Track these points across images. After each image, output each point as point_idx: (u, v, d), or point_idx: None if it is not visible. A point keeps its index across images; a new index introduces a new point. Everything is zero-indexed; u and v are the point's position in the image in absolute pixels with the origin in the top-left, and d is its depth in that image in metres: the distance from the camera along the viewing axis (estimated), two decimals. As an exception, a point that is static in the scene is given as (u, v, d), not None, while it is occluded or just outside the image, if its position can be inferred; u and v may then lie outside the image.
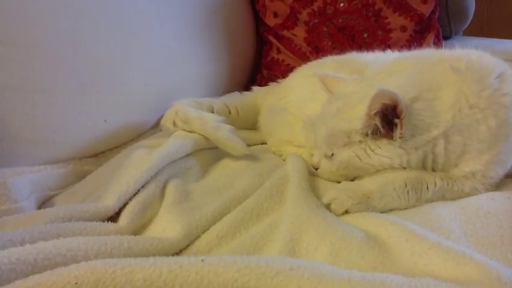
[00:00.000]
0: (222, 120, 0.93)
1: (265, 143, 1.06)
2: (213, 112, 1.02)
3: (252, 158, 0.93)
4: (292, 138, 0.98)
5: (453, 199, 0.74)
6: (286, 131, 1.00)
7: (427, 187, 0.74)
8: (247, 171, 0.86)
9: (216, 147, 0.92)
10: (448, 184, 0.74)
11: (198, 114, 0.93)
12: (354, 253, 0.58)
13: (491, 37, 1.80)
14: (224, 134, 0.90)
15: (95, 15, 0.95)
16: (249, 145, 1.02)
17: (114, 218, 0.72)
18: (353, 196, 0.71)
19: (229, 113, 1.08)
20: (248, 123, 1.12)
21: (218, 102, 1.07)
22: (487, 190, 0.76)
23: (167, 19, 1.14)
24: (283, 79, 1.15)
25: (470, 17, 1.66)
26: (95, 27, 0.95)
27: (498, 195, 0.72)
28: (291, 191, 0.73)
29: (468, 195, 0.75)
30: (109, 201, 0.72)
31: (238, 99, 1.13)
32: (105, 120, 0.94)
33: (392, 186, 0.72)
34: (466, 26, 1.70)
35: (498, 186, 0.78)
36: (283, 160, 0.94)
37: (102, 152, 0.96)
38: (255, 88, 1.21)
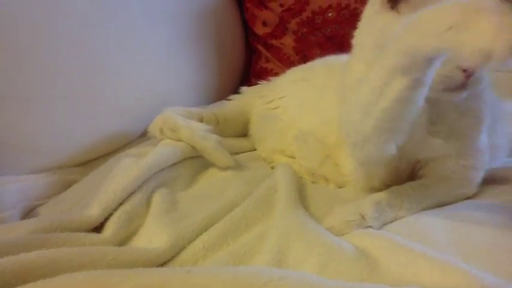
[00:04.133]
0: (210, 130, 0.93)
1: (254, 150, 1.06)
2: (202, 121, 1.02)
3: (240, 166, 0.92)
4: (284, 148, 0.98)
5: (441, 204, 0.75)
6: (278, 139, 0.99)
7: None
8: (236, 180, 0.85)
9: (204, 157, 0.92)
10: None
11: (186, 123, 0.92)
12: (341, 264, 0.58)
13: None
14: (211, 144, 0.90)
15: (85, 24, 0.95)
16: (237, 153, 1.02)
17: (99, 228, 0.71)
18: (351, 220, 0.69)
19: (218, 122, 1.07)
20: (237, 131, 1.12)
21: (207, 112, 1.07)
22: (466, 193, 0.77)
23: (159, 29, 1.14)
24: (273, 78, 1.15)
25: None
26: (84, 36, 0.94)
27: (483, 203, 0.73)
28: (280, 201, 0.72)
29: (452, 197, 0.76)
30: (94, 211, 0.71)
31: (226, 108, 1.13)
32: (95, 129, 0.94)
33: (386, 202, 0.71)
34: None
35: (479, 193, 0.79)
36: (272, 168, 0.94)
37: (89, 161, 0.95)
38: (244, 89, 1.20)
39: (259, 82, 1.20)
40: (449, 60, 0.62)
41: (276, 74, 1.41)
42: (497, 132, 0.88)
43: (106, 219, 0.72)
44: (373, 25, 0.74)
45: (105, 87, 0.97)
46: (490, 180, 0.83)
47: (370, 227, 0.68)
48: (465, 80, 0.63)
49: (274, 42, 1.48)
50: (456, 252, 0.59)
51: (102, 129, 0.96)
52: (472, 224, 0.66)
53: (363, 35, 0.77)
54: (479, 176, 0.79)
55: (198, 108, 1.09)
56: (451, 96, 0.66)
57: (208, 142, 0.90)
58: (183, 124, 0.92)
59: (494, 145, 0.86)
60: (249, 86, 1.48)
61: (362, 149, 0.69)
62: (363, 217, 0.69)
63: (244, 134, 1.13)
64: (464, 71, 0.62)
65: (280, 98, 1.03)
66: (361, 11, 1.36)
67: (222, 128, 1.06)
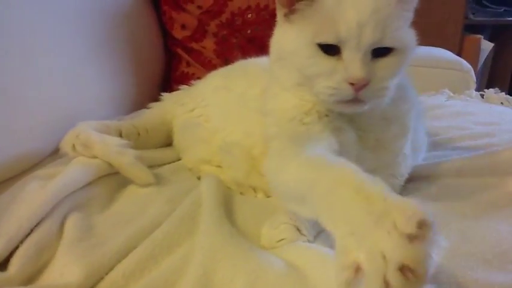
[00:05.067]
0: (127, 145, 0.87)
1: (179, 160, 1.01)
2: (121, 135, 0.96)
3: (162, 181, 0.87)
4: (210, 157, 0.94)
5: None
6: (203, 149, 0.95)
7: None
8: (157, 197, 0.80)
9: (123, 172, 0.86)
10: None
11: (100, 138, 0.86)
12: (270, 283, 0.55)
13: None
14: (128, 160, 0.84)
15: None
16: (160, 165, 0.97)
17: (4, 264, 0.63)
18: (285, 238, 0.66)
19: (139, 134, 1.01)
20: (160, 141, 1.06)
21: (126, 124, 1.01)
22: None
23: (62, 38, 1.04)
24: (195, 82, 1.12)
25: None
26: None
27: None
28: (204, 218, 0.68)
29: None
30: (-4, 247, 0.63)
31: (146, 118, 1.07)
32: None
33: None
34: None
35: (402, 193, 0.80)
36: (199, 179, 0.89)
37: (-8, 187, 0.85)
38: (165, 96, 1.15)
39: (180, 88, 1.15)
40: (337, 71, 0.62)
41: (198, 79, 1.37)
42: (417, 129, 0.90)
43: (12, 253, 0.64)
44: (274, 39, 0.73)
45: (3, 105, 0.86)
46: (412, 178, 0.85)
47: (306, 237, 0.66)
48: (355, 92, 0.61)
49: (194, 45, 1.44)
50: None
51: (2, 151, 0.85)
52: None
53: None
54: (403, 180, 0.80)
55: (116, 121, 1.02)
56: (351, 109, 0.65)
57: (125, 158, 0.84)
58: (97, 139, 0.85)
59: (415, 143, 0.87)
60: (170, 92, 1.43)
61: None
62: (297, 229, 0.66)
63: (167, 143, 1.07)
64: (352, 84, 0.61)
65: (203, 106, 0.99)
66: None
67: (144, 139, 1.01)
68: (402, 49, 0.64)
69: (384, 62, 0.63)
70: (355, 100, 0.62)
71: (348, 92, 0.61)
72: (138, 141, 0.98)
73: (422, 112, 0.95)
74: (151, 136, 1.04)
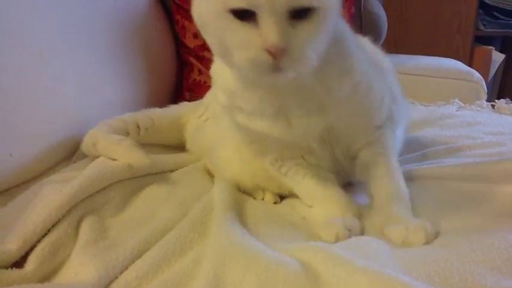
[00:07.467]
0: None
1: (191, 163, 1.02)
2: (138, 126, 1.02)
3: (175, 185, 0.89)
4: None
5: None
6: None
7: None
8: (170, 201, 0.81)
9: (137, 177, 0.87)
10: None
11: (104, 136, 0.92)
12: (280, 283, 0.55)
13: (402, 53, 1.90)
14: (126, 143, 0.89)
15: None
16: (172, 170, 0.98)
17: (20, 263, 0.65)
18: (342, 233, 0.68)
19: (153, 123, 1.06)
20: (171, 138, 1.10)
21: (142, 116, 1.06)
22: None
23: (77, 45, 1.07)
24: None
25: (384, 35, 1.74)
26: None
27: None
28: (216, 221, 0.70)
29: None
30: (12, 245, 0.65)
31: (163, 112, 1.11)
32: (10, 154, 0.86)
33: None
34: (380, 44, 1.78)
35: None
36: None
37: (8, 190, 0.87)
38: (183, 103, 1.18)
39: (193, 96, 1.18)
40: (253, 40, 0.57)
41: (210, 87, 1.40)
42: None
43: (29, 252, 0.66)
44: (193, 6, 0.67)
45: (21, 109, 0.88)
46: (416, 177, 0.86)
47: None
48: (273, 59, 0.57)
49: (206, 54, 1.46)
50: (396, 263, 0.59)
51: (20, 154, 0.87)
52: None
53: None
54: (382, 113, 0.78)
55: (132, 114, 1.06)
56: (272, 78, 0.61)
57: (123, 143, 0.89)
58: (102, 136, 0.92)
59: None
60: (182, 99, 1.45)
61: None
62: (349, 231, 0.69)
63: (175, 143, 1.10)
64: (270, 52, 0.56)
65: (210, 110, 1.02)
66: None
67: (158, 129, 1.06)
68: (322, 10, 0.59)
69: (303, 26, 0.58)
70: (276, 68, 0.58)
71: (267, 61, 0.57)
72: (153, 129, 1.04)
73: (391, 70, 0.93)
74: (165, 128, 1.08)
